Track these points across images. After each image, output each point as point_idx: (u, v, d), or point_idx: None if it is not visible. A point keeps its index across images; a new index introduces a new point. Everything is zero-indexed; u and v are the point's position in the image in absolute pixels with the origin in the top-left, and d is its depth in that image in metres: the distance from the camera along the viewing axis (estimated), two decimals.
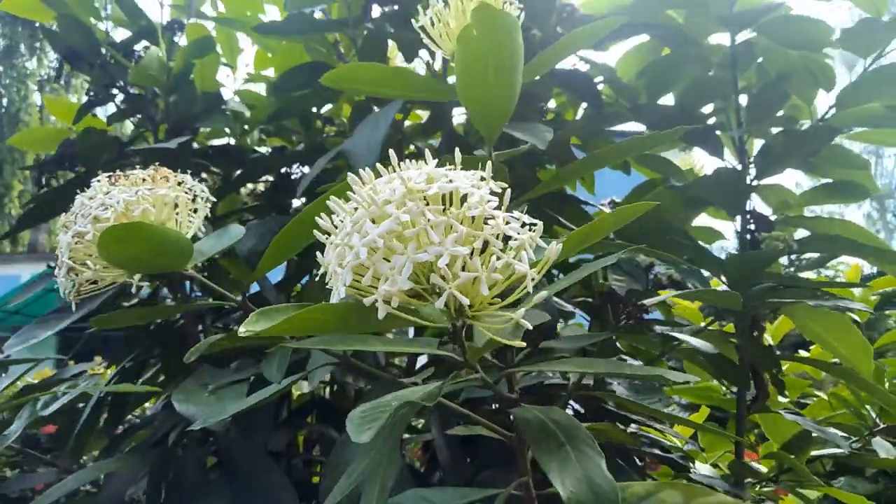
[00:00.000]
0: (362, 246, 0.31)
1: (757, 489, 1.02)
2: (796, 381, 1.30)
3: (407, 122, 1.10)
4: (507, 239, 0.32)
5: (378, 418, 0.33)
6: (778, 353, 1.04)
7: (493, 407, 0.86)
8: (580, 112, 1.21)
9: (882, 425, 1.09)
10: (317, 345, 0.47)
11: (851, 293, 1.24)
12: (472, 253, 0.31)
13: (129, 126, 1.11)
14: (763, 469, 1.13)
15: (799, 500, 1.07)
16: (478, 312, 0.33)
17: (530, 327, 0.32)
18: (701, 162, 1.34)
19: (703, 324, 1.00)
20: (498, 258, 0.31)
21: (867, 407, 1.16)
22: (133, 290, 0.50)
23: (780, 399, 1.18)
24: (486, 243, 0.32)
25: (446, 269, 0.30)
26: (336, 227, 0.35)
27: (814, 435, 0.99)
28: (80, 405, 0.91)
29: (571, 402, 0.87)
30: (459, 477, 0.81)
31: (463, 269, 0.31)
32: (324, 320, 0.34)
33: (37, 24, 1.04)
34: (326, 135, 1.10)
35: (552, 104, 1.19)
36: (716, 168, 1.05)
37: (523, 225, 0.33)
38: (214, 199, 0.96)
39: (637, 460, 0.92)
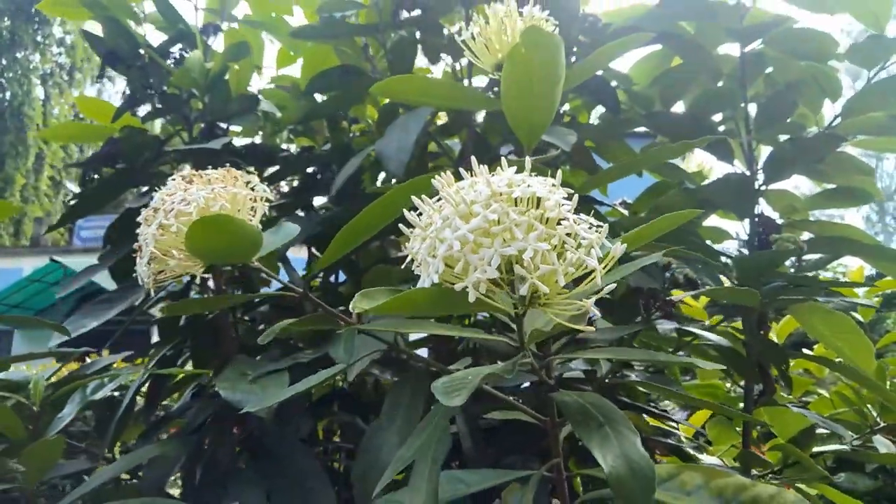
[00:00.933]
0: (455, 239, 0.35)
1: (762, 481, 1.06)
2: (799, 379, 1.35)
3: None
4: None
5: (463, 387, 0.37)
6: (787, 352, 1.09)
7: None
8: (593, 117, 1.25)
9: (883, 423, 1.13)
10: (387, 327, 0.51)
11: (855, 293, 1.28)
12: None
13: (158, 124, 1.15)
14: (769, 461, 1.17)
15: (801, 495, 1.11)
16: (548, 300, 0.37)
17: (598, 314, 0.36)
18: (709, 163, 1.39)
19: (710, 322, 1.05)
20: (572, 254, 0.36)
21: (868, 406, 1.20)
22: (198, 280, 0.54)
23: (784, 395, 1.22)
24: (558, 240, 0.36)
25: (529, 261, 0.34)
26: (419, 221, 0.39)
27: (818, 431, 1.03)
28: (117, 394, 0.95)
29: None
30: (482, 464, 0.85)
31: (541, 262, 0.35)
32: (418, 301, 0.39)
33: (36, 18, 1.08)
34: (353, 134, 1.14)
35: (566, 107, 1.24)
36: (726, 173, 1.10)
37: (590, 226, 0.37)
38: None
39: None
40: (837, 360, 1.31)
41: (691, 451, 0.97)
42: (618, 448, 0.43)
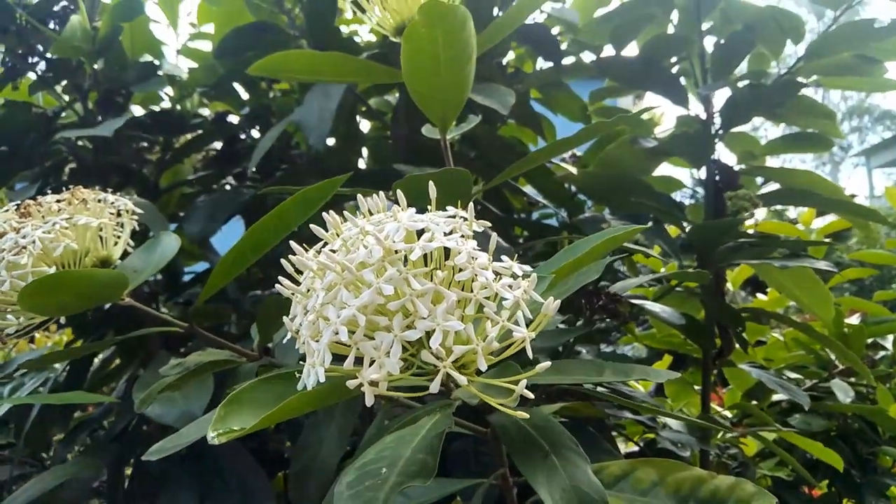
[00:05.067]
0: (341, 324, 0.27)
1: (720, 435, 1.05)
2: (754, 327, 1.32)
3: None
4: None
5: (374, 500, 0.29)
6: (741, 308, 1.05)
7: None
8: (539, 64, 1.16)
9: (841, 367, 1.12)
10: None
11: (818, 251, 1.23)
12: (462, 317, 0.28)
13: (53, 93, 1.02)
14: (728, 414, 1.16)
15: (757, 441, 1.10)
16: (473, 378, 0.30)
17: (532, 396, 0.29)
18: (661, 109, 1.32)
19: (664, 275, 1.00)
20: (493, 323, 0.28)
21: (826, 349, 1.18)
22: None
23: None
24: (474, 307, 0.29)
25: (439, 347, 0.27)
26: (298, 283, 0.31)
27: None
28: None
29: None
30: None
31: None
32: (302, 408, 0.32)
33: None
34: (273, 95, 1.03)
35: (511, 55, 1.15)
36: (679, 116, 1.03)
37: (513, 276, 0.30)
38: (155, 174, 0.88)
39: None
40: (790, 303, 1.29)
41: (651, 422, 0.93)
42: (566, 480, 0.37)
